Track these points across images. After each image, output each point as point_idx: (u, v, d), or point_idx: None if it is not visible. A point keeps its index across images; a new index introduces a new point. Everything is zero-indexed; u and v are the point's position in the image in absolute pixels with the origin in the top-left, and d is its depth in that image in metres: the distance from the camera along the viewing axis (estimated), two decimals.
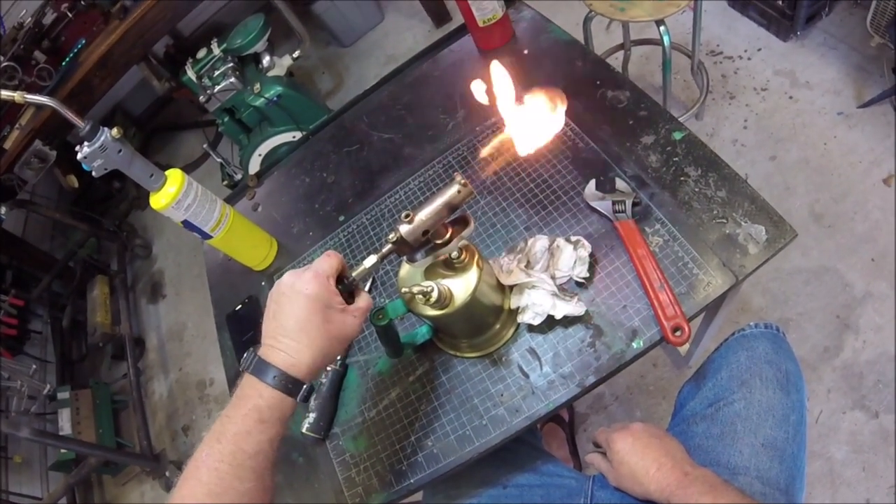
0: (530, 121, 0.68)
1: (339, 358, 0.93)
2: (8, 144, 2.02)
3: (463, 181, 0.63)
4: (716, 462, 0.77)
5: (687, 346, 1.37)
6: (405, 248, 0.66)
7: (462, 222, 0.69)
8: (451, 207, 0.64)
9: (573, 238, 0.83)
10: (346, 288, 0.68)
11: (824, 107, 1.78)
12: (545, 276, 0.79)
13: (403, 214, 0.64)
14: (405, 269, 0.75)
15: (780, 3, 1.84)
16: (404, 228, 0.64)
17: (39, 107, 2.00)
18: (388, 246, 0.66)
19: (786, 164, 1.73)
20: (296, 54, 2.29)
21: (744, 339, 0.86)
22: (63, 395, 2.05)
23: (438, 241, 0.67)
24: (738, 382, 0.81)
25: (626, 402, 1.58)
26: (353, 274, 0.69)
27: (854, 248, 1.55)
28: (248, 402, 0.60)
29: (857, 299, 1.49)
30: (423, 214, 0.64)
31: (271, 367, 0.61)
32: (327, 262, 0.67)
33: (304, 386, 0.62)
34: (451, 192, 0.63)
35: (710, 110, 1.91)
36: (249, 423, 0.59)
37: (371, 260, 0.68)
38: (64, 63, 2.09)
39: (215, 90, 2.16)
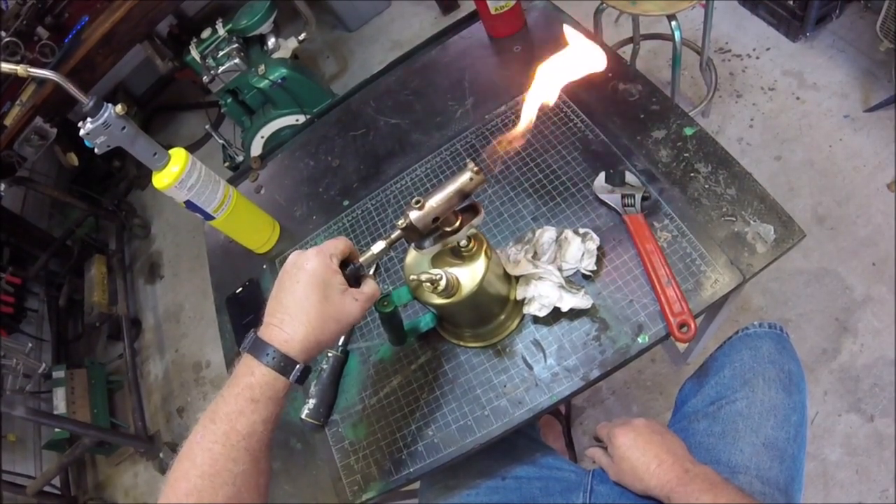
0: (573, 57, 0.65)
1: (340, 344, 0.92)
2: (8, 121, 1.99)
3: (475, 168, 0.62)
4: (716, 460, 0.76)
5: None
6: (414, 235, 0.65)
7: (472, 210, 0.68)
8: (462, 195, 0.63)
9: (581, 230, 0.83)
10: (353, 273, 0.67)
11: (831, 109, 1.77)
12: (552, 268, 0.79)
13: (414, 200, 0.63)
14: (412, 256, 0.74)
15: (791, 3, 1.83)
16: (414, 214, 0.63)
17: (41, 83, 1.98)
18: (397, 232, 0.65)
19: (790, 164, 1.73)
20: (301, 37, 2.26)
21: (748, 339, 0.85)
22: (58, 374, 2.04)
23: (448, 229, 0.67)
24: (740, 381, 0.81)
25: (623, 397, 1.58)
26: (361, 259, 0.68)
27: (855, 252, 1.55)
28: (241, 382, 0.60)
29: (857, 303, 1.49)
30: (434, 201, 0.63)
31: (267, 346, 0.60)
32: (333, 243, 0.66)
33: (298, 366, 0.61)
34: (464, 179, 0.62)
35: (717, 108, 1.90)
36: (242, 403, 0.58)
37: (379, 245, 0.67)
38: (67, 40, 2.06)
39: (219, 71, 2.14)
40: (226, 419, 0.58)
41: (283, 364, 0.60)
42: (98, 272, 2.46)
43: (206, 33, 2.20)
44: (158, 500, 0.56)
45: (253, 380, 0.59)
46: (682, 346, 1.42)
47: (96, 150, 0.86)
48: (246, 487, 0.57)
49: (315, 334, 0.61)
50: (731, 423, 0.79)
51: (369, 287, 0.68)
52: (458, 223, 0.67)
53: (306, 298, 0.62)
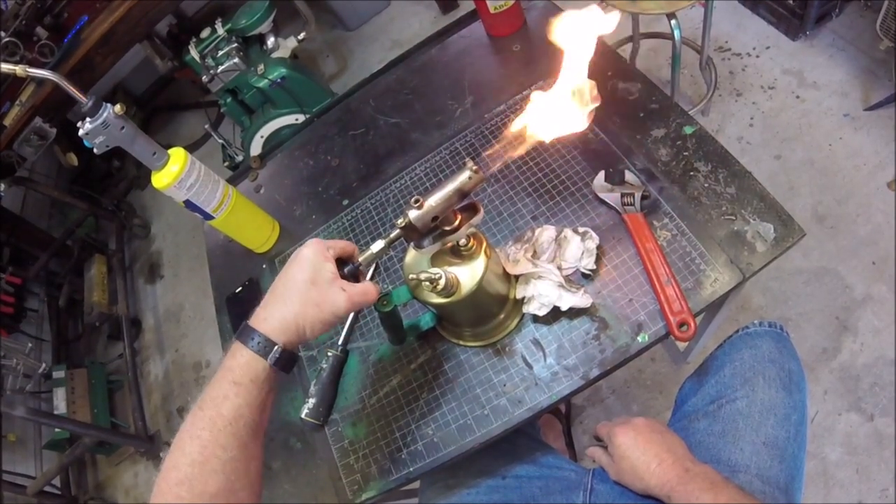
0: (556, 109, 0.66)
1: (339, 343, 0.92)
2: (8, 121, 1.99)
3: (474, 167, 0.62)
4: (716, 459, 0.76)
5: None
6: (413, 234, 0.65)
7: (471, 209, 0.68)
8: (461, 194, 0.63)
9: (581, 229, 0.83)
10: (352, 272, 0.68)
11: (831, 108, 1.77)
12: (552, 267, 0.78)
13: (413, 199, 0.63)
14: (411, 255, 0.74)
15: (791, 2, 1.82)
16: (413, 213, 0.63)
17: (40, 83, 1.97)
18: (397, 231, 0.66)
19: (790, 163, 1.73)
20: (301, 36, 2.26)
21: (748, 337, 0.85)
22: (58, 374, 2.04)
23: (447, 228, 0.67)
24: (741, 380, 0.81)
25: (623, 396, 1.58)
26: (360, 258, 0.68)
27: (855, 251, 1.55)
28: (225, 366, 0.61)
29: (857, 302, 1.49)
30: (433, 200, 0.63)
31: (252, 331, 0.61)
32: (334, 240, 0.68)
33: (276, 347, 0.60)
34: (463, 178, 0.62)
35: (717, 107, 1.90)
36: (226, 387, 0.59)
37: (378, 245, 0.67)
38: (66, 40, 2.06)
39: (218, 70, 2.14)
40: (211, 404, 0.58)
41: (264, 346, 0.61)
42: (98, 272, 2.46)
43: (205, 33, 2.20)
44: (152, 493, 0.56)
45: (234, 363, 0.60)
46: (681, 345, 1.42)
47: (95, 150, 0.86)
48: (236, 476, 0.57)
49: (293, 315, 0.62)
50: (732, 422, 0.78)
51: (363, 284, 0.68)
52: (457, 222, 0.67)
53: (293, 280, 0.63)
